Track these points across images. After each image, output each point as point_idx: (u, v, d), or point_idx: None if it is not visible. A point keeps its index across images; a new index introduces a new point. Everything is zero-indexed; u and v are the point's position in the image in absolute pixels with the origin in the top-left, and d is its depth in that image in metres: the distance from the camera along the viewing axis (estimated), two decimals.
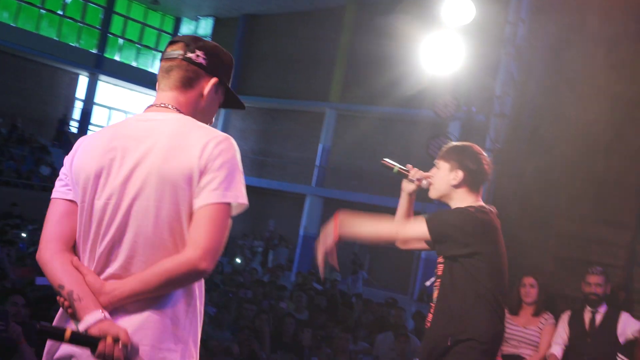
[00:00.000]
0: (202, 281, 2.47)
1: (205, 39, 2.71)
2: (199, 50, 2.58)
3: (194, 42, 2.61)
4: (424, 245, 3.95)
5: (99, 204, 2.39)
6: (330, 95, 30.26)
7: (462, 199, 3.92)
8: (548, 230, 6.92)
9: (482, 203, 3.93)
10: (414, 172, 4.09)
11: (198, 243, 2.26)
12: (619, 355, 5.63)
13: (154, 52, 36.49)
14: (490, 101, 7.49)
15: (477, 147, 4.03)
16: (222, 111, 33.57)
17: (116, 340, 2.18)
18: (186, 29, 36.93)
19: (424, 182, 4.06)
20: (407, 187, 4.15)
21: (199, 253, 2.25)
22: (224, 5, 33.30)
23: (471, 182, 3.91)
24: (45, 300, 7.61)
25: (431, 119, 25.60)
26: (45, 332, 2.26)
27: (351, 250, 25.64)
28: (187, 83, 2.57)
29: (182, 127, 2.43)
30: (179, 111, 2.53)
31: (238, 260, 15.14)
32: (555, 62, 7.21)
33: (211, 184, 2.33)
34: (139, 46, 35.93)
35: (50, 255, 2.42)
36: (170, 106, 2.53)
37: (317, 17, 31.31)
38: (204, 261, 2.25)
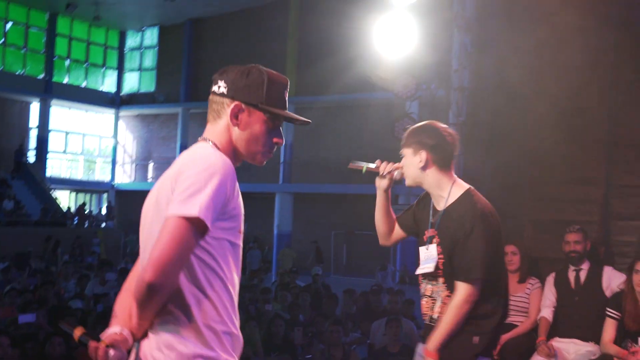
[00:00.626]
0: (223, 290, 2.45)
1: (230, 68, 2.73)
2: (221, 80, 2.66)
3: (219, 74, 2.70)
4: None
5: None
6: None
7: (436, 180, 3.82)
8: (522, 195, 6.94)
9: (459, 181, 3.85)
10: (384, 167, 3.99)
11: (148, 258, 2.25)
12: (608, 309, 5.67)
13: (102, 69, 36.09)
14: (448, 76, 7.51)
15: (436, 123, 3.91)
16: (180, 121, 33.38)
17: (109, 346, 2.37)
18: (132, 41, 36.61)
19: (396, 174, 3.97)
20: (381, 183, 4.05)
21: (145, 266, 2.24)
22: (168, 13, 32.99)
23: (438, 159, 3.79)
24: (32, 338, 7.49)
25: (389, 100, 25.50)
26: (63, 329, 2.63)
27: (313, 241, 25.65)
28: (216, 114, 2.65)
29: (185, 154, 2.55)
30: (213, 142, 2.61)
31: None
32: (507, 32, 7.22)
33: (173, 199, 2.32)
34: (87, 65, 35.50)
35: None
36: (206, 138, 2.63)
37: (262, 13, 31.17)
38: (147, 273, 2.21)
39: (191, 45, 33.79)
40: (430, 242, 3.83)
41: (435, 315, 3.79)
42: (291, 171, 30.31)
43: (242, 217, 2.59)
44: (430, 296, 3.85)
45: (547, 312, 6.15)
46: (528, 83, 6.91)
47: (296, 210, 29.57)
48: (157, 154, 35.40)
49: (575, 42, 6.66)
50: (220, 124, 2.63)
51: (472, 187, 3.84)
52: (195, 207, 2.27)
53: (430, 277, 3.84)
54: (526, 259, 6.46)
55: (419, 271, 3.89)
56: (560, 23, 6.58)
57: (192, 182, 2.33)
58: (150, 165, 35.61)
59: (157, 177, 34.62)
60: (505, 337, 6.14)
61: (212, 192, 2.33)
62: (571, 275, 6.15)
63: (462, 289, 3.64)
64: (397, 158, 4.01)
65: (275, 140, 2.68)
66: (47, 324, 7.81)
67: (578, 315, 6.01)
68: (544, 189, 6.90)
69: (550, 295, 6.21)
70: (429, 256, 3.82)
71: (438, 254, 3.77)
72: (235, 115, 2.61)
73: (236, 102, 2.62)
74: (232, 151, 2.62)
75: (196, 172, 2.36)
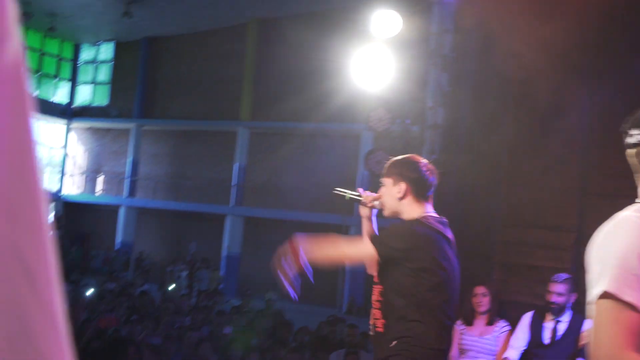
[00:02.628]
0: None
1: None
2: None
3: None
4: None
5: None
6: (241, 114, 30.06)
7: (410, 211, 3.96)
8: (492, 238, 6.97)
9: (429, 213, 3.97)
10: (366, 196, 4.11)
11: None
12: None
13: (54, 79, 35.58)
14: (422, 113, 7.53)
15: (416, 157, 4.15)
16: (132, 136, 33.02)
17: None
18: (86, 54, 36.16)
19: (377, 203, 4.11)
20: (364, 212, 4.23)
21: None
22: (124, 29, 32.55)
23: (415, 191, 3.96)
24: None
25: (352, 132, 25.61)
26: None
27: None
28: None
29: None
30: None
31: (170, 288, 14.83)
32: (483, 69, 7.29)
33: None
34: (39, 74, 34.96)
35: None
36: None
37: (219, 36, 31.02)
38: None
39: (147, 63, 33.48)
40: None
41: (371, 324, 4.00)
42: (243, 194, 30.14)
43: None
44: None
45: (512, 354, 6.08)
46: (502, 123, 6.97)
47: (246, 233, 29.38)
48: (107, 167, 34.92)
49: (542, 84, 6.73)
50: None
51: (431, 217, 3.95)
52: None
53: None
54: (496, 301, 6.45)
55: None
56: (530, 64, 6.66)
57: None
58: (100, 178, 35.10)
59: (106, 190, 34.20)
60: None
61: None
62: (548, 325, 6.05)
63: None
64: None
65: None
66: None
67: None
68: (514, 233, 6.94)
69: (521, 336, 6.12)
70: None
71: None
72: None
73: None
74: None
75: None
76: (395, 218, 4.03)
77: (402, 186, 3.96)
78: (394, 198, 3.98)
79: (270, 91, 28.95)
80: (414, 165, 4.04)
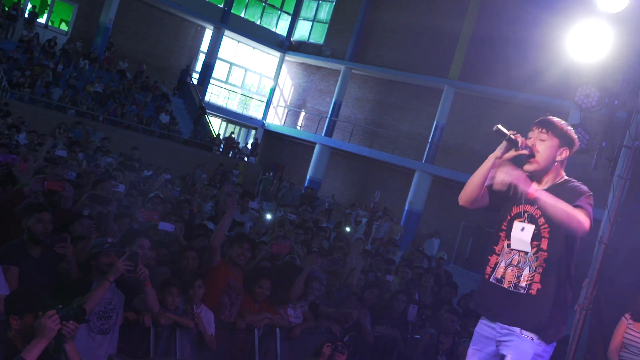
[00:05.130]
0: None
1: None
2: None
3: None
4: None
5: None
6: (450, 72, 29.78)
7: (555, 173, 4.06)
8: None
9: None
10: (521, 141, 4.03)
11: None
12: None
13: (279, 11, 36.74)
14: (634, 95, 7.17)
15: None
16: (341, 78, 33.59)
17: None
18: None
19: (525, 151, 3.98)
20: (508, 154, 4.08)
21: None
22: None
23: (567, 161, 4.10)
24: (166, 245, 7.82)
25: (559, 108, 24.76)
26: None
27: None
28: None
29: None
30: None
31: (347, 229, 15.19)
32: None
33: None
34: (265, 5, 36.22)
35: None
36: None
37: None
38: None
39: (367, 7, 33.79)
40: (522, 217, 4.06)
41: (523, 284, 3.96)
42: (436, 153, 30.04)
43: None
44: (516, 266, 4.01)
45: None
46: None
47: (432, 191, 29.32)
48: (310, 104, 35.90)
49: None
50: None
51: None
52: None
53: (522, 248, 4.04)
54: None
55: (513, 246, 4.06)
56: None
57: None
58: (302, 114, 36.16)
59: (306, 126, 35.20)
60: None
61: None
62: None
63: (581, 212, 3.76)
64: None
65: None
66: (182, 237, 8.11)
67: None
68: None
69: None
70: (523, 236, 4.02)
71: (542, 225, 3.97)
72: None
73: None
74: None
75: None
76: (530, 172, 4.01)
77: (565, 153, 4.04)
78: (552, 158, 4.03)
79: (483, 55, 28.42)
80: (575, 136, 4.13)
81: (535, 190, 3.78)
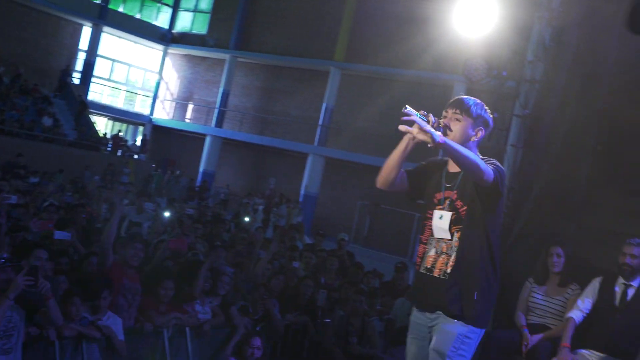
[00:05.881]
0: None
1: None
2: None
3: None
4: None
5: None
6: (336, 54, 29.97)
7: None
8: (576, 199, 6.81)
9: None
10: (432, 120, 3.96)
11: None
12: None
13: (158, 4, 36.03)
14: (521, 66, 7.35)
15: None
16: (226, 67, 33.32)
17: None
18: None
19: (439, 132, 3.92)
20: (419, 135, 3.91)
21: None
22: None
23: (481, 141, 4.12)
24: (65, 254, 7.55)
25: (445, 82, 25.21)
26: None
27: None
28: None
29: None
30: None
31: (246, 219, 15.09)
32: (589, 32, 7.05)
33: None
34: None
35: None
36: None
37: None
38: None
39: None
40: (443, 204, 4.09)
41: (449, 270, 4.02)
42: (327, 135, 30.23)
43: None
44: (446, 253, 4.06)
45: (577, 315, 5.88)
46: (598, 87, 6.77)
47: (326, 174, 29.52)
48: (198, 96, 35.46)
49: None
50: None
51: None
52: None
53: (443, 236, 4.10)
54: (570, 264, 6.34)
55: (436, 235, 4.11)
56: None
57: None
58: (190, 106, 35.70)
59: (195, 118, 34.76)
60: (536, 337, 6.06)
61: None
62: (619, 289, 5.88)
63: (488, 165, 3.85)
64: None
65: None
66: (80, 244, 7.87)
67: (615, 334, 5.71)
68: (597, 196, 6.75)
69: (589, 299, 5.95)
70: (442, 224, 4.07)
71: (460, 208, 4.02)
72: None
73: None
74: None
75: None
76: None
77: (481, 133, 4.08)
78: (467, 138, 4.02)
79: (367, 34, 28.70)
80: (493, 120, 4.17)
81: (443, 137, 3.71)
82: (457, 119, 4.01)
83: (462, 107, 4.02)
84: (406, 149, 3.98)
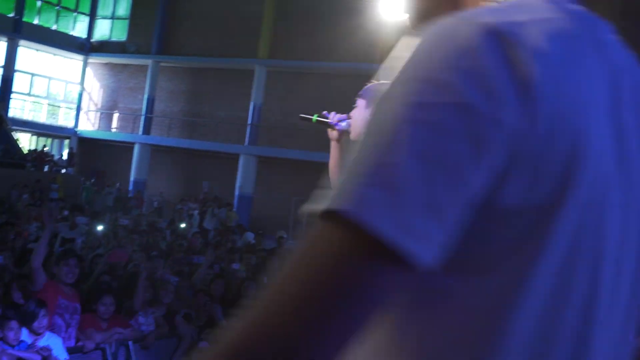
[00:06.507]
0: None
1: None
2: None
3: None
4: None
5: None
6: (259, 52, 29.89)
7: None
8: None
9: None
10: (332, 116, 3.95)
11: None
12: None
13: (74, 13, 35.35)
14: None
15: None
16: (150, 73, 32.93)
17: None
18: None
19: (344, 124, 3.93)
20: (332, 134, 4.04)
21: None
22: None
23: None
24: None
25: (369, 72, 25.60)
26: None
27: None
28: None
29: None
30: None
31: (182, 225, 14.92)
32: None
33: None
34: (59, 8, 34.72)
35: None
36: None
37: None
38: None
39: None
40: None
41: None
42: (258, 134, 30.14)
43: None
44: None
45: None
46: None
47: (260, 172, 29.45)
48: (123, 104, 34.92)
49: None
50: None
51: None
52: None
53: None
54: None
55: None
56: None
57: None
58: (115, 115, 35.14)
59: (121, 127, 34.23)
60: None
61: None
62: None
63: None
64: None
65: None
66: (13, 266, 7.66)
67: None
68: None
69: None
70: None
71: None
72: None
73: None
74: None
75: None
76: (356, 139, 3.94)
77: None
78: (365, 120, 3.92)
79: (290, 29, 28.72)
80: None
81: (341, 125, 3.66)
82: (356, 106, 3.98)
83: (360, 94, 3.98)
84: (334, 150, 3.97)
